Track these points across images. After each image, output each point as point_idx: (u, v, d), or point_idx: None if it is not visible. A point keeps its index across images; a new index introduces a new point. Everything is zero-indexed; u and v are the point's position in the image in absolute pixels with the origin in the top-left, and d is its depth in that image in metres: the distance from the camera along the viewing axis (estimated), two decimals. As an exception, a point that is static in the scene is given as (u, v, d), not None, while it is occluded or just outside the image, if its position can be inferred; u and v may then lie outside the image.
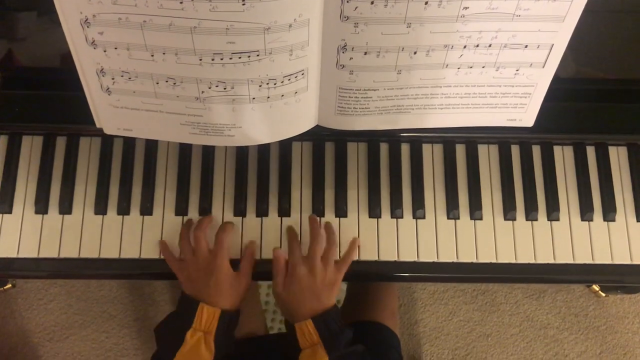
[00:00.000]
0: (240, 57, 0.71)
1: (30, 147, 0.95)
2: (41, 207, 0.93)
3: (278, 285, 0.87)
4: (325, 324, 0.83)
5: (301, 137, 0.86)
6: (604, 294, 1.63)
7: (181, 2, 0.66)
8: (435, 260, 0.94)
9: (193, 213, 0.94)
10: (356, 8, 0.68)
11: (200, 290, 0.86)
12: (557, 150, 0.98)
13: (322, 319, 0.83)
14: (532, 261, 0.94)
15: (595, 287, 1.57)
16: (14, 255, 0.92)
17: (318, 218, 0.94)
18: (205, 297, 0.84)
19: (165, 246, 0.92)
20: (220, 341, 0.83)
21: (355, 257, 0.92)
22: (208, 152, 0.96)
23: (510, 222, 0.95)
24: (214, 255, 0.87)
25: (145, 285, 1.68)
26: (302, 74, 0.76)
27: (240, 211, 0.94)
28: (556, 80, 0.81)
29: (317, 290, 0.85)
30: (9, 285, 1.49)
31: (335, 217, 0.95)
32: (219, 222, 0.93)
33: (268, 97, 0.76)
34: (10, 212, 0.93)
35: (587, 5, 0.71)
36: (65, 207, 0.93)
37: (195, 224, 0.91)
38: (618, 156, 0.98)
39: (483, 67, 0.77)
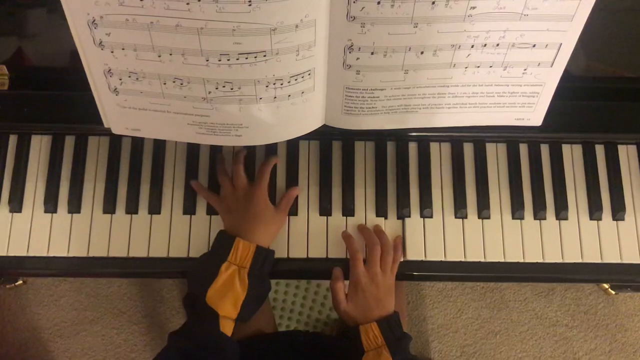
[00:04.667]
0: (247, 58, 0.71)
1: (40, 146, 0.96)
2: (50, 206, 0.93)
3: (341, 303, 0.88)
4: (390, 328, 0.85)
5: (308, 136, 0.86)
6: (613, 292, 1.62)
7: (188, 4, 0.66)
8: (443, 259, 0.94)
9: (201, 212, 0.94)
10: (363, 8, 0.68)
11: (238, 223, 0.87)
12: (565, 149, 0.97)
13: (386, 323, 0.85)
14: (540, 260, 0.94)
15: (605, 285, 1.56)
16: (24, 254, 0.92)
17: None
18: (242, 231, 0.86)
19: (199, 185, 0.94)
20: (255, 277, 0.83)
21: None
22: (216, 150, 0.96)
23: (519, 221, 0.95)
24: (255, 186, 0.90)
25: (154, 282, 1.69)
26: (309, 74, 0.75)
27: (247, 210, 0.94)
28: (565, 78, 0.80)
29: (380, 297, 0.87)
30: (20, 282, 1.50)
31: (343, 216, 0.95)
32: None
33: (275, 97, 0.76)
34: (20, 211, 0.94)
35: (596, 3, 0.70)
36: (74, 206, 0.94)
37: (234, 158, 0.93)
38: (628, 155, 0.97)
39: (491, 66, 0.77)
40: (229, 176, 0.92)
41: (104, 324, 1.67)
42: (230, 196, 0.90)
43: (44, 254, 0.92)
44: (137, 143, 0.96)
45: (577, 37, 0.74)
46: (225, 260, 0.83)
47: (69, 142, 0.96)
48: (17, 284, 1.49)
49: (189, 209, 0.94)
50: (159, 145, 0.96)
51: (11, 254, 0.92)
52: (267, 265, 0.86)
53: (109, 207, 0.94)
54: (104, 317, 1.68)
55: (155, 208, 0.94)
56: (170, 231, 0.93)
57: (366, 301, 0.87)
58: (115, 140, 0.96)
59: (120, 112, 0.81)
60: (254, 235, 0.86)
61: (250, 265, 0.83)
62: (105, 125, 0.83)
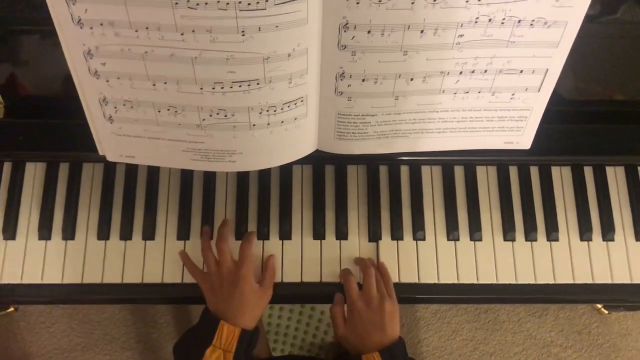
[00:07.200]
0: (240, 86, 0.72)
1: (34, 173, 0.96)
2: (44, 233, 0.94)
3: (339, 328, 0.88)
4: (392, 357, 0.83)
5: (301, 161, 0.87)
6: (606, 312, 1.63)
7: (182, 34, 0.67)
8: (437, 281, 0.94)
9: (195, 238, 0.94)
10: (353, 37, 0.70)
11: (222, 304, 0.86)
12: (555, 171, 0.99)
13: (388, 352, 0.84)
14: (532, 282, 0.94)
15: (598, 305, 1.56)
16: (18, 281, 0.92)
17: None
18: (227, 312, 0.85)
19: (186, 257, 0.93)
20: (240, 359, 0.83)
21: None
22: (209, 176, 0.97)
23: (510, 242, 0.96)
24: (239, 266, 0.88)
25: (147, 308, 1.68)
26: (302, 101, 0.77)
27: (241, 234, 0.95)
28: (553, 102, 0.82)
29: (380, 323, 0.85)
30: (11, 309, 1.49)
31: (336, 239, 0.95)
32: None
33: (268, 124, 0.78)
34: (14, 238, 0.94)
35: (584, 30, 0.72)
36: (68, 233, 0.94)
37: (218, 236, 0.92)
38: (616, 176, 0.99)
39: (479, 92, 0.78)
40: (213, 253, 0.91)
41: (97, 351, 1.66)
42: (214, 277, 0.88)
43: (38, 281, 0.92)
44: (131, 170, 0.97)
45: (563, 62, 0.76)
46: (210, 344, 0.83)
47: (64, 169, 0.97)
48: (8, 310, 1.48)
49: (183, 234, 0.94)
50: (153, 172, 0.97)
51: (5, 281, 0.92)
52: (251, 347, 0.86)
53: (103, 233, 0.94)
54: (97, 343, 1.66)
55: (149, 234, 0.94)
56: (164, 257, 0.94)
57: (363, 326, 0.86)
58: (110, 167, 0.96)
59: (114, 139, 0.81)
60: (239, 319, 0.85)
61: (235, 349, 0.83)
62: (100, 153, 0.84)
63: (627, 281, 0.95)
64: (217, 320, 0.84)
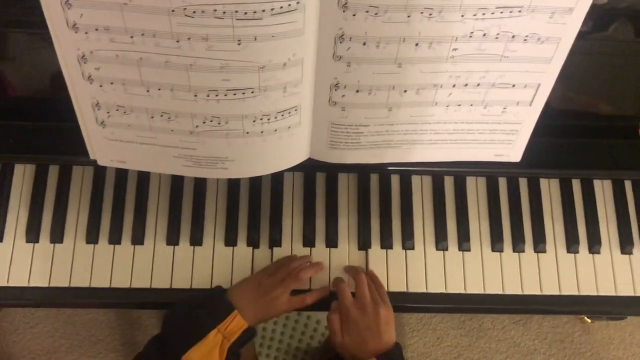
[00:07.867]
0: (235, 94, 0.72)
1: (23, 175, 0.95)
2: (32, 236, 0.93)
3: (337, 335, 0.88)
4: None
5: (293, 168, 0.87)
6: (589, 320, 1.65)
7: (178, 41, 0.67)
8: (425, 291, 0.95)
9: (184, 243, 0.94)
10: (349, 49, 0.70)
11: (250, 302, 0.87)
12: (543, 183, 1.00)
13: (386, 358, 0.84)
14: (519, 292, 0.95)
15: (581, 314, 1.59)
16: (4, 284, 0.91)
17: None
18: (247, 309, 0.86)
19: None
20: (232, 352, 0.83)
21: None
22: (200, 182, 0.97)
23: (498, 253, 0.97)
24: (292, 306, 0.91)
25: (133, 310, 1.67)
26: (295, 110, 0.77)
27: (231, 241, 0.95)
28: (544, 116, 0.83)
29: (376, 329, 0.85)
30: (-6, 309, 1.47)
31: (326, 247, 0.96)
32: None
33: (262, 132, 0.78)
34: (1, 240, 0.93)
35: (574, 47, 0.73)
36: (57, 236, 0.93)
37: (294, 277, 0.91)
38: (603, 190, 1.00)
39: (471, 105, 0.79)
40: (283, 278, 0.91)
41: (81, 352, 1.64)
42: (272, 288, 0.89)
43: (25, 284, 0.91)
44: (122, 173, 0.96)
45: (555, 78, 0.76)
46: (216, 325, 0.83)
47: (53, 171, 0.96)
48: (-10, 311, 1.46)
49: (172, 239, 0.94)
50: (144, 176, 0.96)
51: (-9, 284, 0.91)
52: (246, 342, 0.87)
53: (92, 237, 0.93)
54: (81, 344, 1.65)
55: (138, 239, 0.94)
56: (153, 262, 0.93)
57: (359, 333, 0.85)
58: (100, 171, 0.96)
59: (106, 144, 0.81)
60: (251, 319, 0.86)
61: (234, 340, 0.83)
62: (91, 157, 0.84)
63: (612, 293, 0.96)
64: (232, 308, 0.85)
